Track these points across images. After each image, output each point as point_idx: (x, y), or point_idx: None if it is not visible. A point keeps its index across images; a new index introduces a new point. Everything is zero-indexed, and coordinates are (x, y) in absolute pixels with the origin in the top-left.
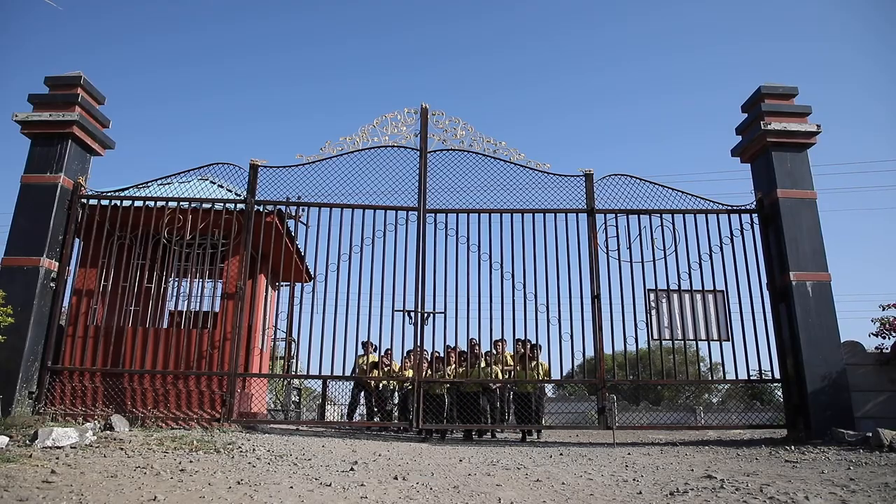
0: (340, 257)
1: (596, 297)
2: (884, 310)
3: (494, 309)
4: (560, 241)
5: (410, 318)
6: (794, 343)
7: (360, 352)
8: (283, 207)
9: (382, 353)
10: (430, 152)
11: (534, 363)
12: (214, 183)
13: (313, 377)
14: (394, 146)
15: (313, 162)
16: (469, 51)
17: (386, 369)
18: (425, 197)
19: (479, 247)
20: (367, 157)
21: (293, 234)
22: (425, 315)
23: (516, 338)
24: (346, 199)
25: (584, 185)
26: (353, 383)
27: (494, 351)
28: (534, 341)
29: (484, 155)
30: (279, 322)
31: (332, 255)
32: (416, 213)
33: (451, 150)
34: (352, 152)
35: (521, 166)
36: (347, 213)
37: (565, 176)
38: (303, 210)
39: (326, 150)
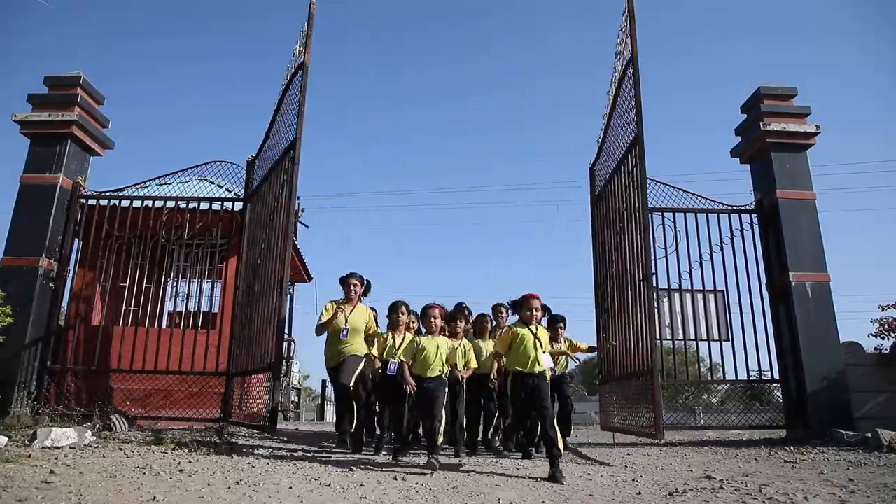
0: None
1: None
2: (883, 310)
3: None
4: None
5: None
6: (793, 343)
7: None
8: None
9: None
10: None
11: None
12: (213, 182)
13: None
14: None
15: None
16: (470, 50)
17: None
18: (302, 135)
19: None
20: None
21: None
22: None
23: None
24: None
25: (586, 177)
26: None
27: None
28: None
29: None
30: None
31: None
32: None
33: None
34: None
35: None
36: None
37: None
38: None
39: None
